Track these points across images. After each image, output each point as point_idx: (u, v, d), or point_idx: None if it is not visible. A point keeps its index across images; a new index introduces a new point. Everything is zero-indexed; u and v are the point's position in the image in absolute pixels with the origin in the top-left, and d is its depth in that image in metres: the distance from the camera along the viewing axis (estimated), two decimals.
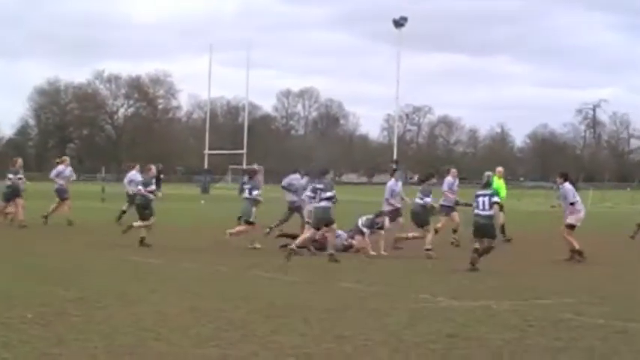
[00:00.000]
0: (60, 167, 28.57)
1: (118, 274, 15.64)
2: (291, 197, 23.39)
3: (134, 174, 29.04)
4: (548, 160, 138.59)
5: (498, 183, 22.68)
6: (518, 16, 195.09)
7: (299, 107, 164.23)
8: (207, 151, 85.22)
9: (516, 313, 11.67)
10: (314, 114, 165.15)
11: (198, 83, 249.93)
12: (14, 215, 26.38)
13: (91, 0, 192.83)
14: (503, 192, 22.21)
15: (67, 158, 29.62)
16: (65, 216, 27.46)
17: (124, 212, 28.34)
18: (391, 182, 22.36)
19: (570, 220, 20.07)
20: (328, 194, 18.95)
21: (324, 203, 18.95)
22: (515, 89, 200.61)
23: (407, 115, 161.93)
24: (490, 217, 17.62)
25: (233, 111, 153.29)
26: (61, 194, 27.95)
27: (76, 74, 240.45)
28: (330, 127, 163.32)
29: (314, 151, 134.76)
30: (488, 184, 18.11)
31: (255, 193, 21.66)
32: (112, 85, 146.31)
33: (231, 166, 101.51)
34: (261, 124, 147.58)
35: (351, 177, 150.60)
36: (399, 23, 70.16)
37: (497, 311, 11.91)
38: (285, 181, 23.97)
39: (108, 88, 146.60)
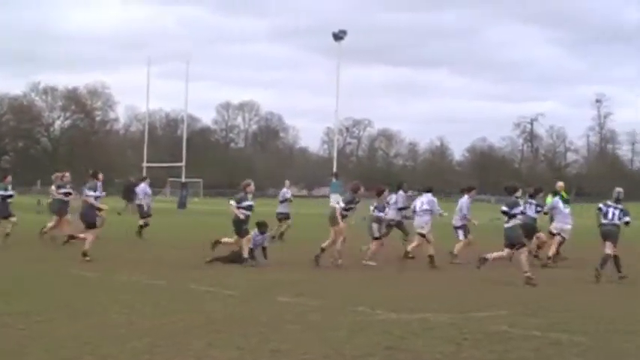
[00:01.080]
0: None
1: (59, 287, 15.55)
2: (392, 214, 23.80)
3: (144, 187, 29.18)
4: (487, 173, 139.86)
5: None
6: (457, 29, 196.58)
7: (239, 120, 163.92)
8: (145, 164, 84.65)
9: (452, 326, 11.75)
10: (254, 127, 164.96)
11: (136, 95, 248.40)
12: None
13: (29, 12, 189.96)
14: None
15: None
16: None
17: (141, 227, 28.68)
18: (464, 199, 23.13)
19: (551, 227, 22.61)
20: (513, 212, 18.82)
21: (510, 223, 18.72)
22: (454, 103, 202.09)
23: (347, 129, 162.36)
24: (617, 225, 19.36)
25: (172, 123, 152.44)
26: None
27: (11, 86, 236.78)
28: (270, 140, 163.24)
29: (254, 164, 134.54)
30: (618, 200, 19.73)
31: (376, 212, 21.93)
32: (48, 97, 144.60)
33: (170, 179, 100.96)
34: (201, 136, 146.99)
35: (292, 190, 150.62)
36: (338, 36, 70.37)
37: (434, 324, 11.98)
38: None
39: (44, 99, 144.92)
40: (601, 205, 19.77)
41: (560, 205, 22.51)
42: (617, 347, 10.44)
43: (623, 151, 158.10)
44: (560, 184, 25.06)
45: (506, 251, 18.76)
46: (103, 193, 22.01)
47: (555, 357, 9.77)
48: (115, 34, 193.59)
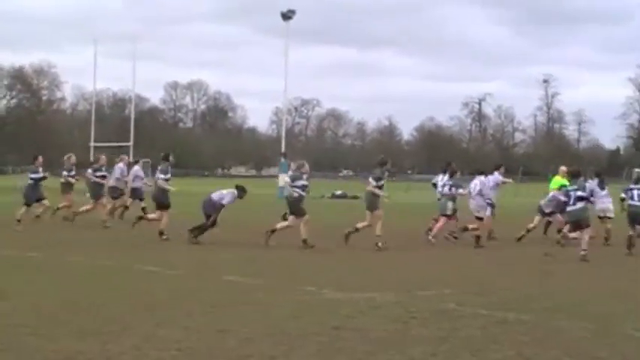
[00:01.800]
0: (120, 165, 27.86)
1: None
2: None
3: (137, 169, 28.30)
4: (436, 153, 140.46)
5: (560, 181, 23.80)
6: (405, 9, 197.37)
7: (187, 100, 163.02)
8: (92, 144, 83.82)
9: (400, 305, 11.74)
10: (202, 107, 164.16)
11: (84, 75, 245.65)
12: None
13: None
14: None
15: (125, 157, 28.82)
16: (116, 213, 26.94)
17: (126, 208, 27.91)
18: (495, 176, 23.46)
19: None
20: (582, 194, 19.60)
21: (579, 205, 19.40)
22: (403, 82, 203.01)
23: (295, 108, 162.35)
24: None
25: (120, 103, 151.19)
26: (114, 192, 27.29)
27: None
28: (218, 120, 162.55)
29: (202, 144, 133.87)
30: (639, 180, 20.68)
31: (454, 190, 22.31)
32: None
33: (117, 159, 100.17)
34: (149, 116, 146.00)
35: (240, 170, 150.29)
36: (286, 16, 69.94)
37: (381, 303, 11.96)
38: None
39: None
40: (623, 194, 21.05)
41: (597, 187, 22.85)
42: (560, 326, 10.49)
43: (570, 131, 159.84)
44: (564, 168, 25.17)
45: (578, 233, 19.40)
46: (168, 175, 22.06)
47: (502, 335, 9.79)
48: (61, 13, 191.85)
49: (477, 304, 11.92)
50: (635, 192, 20.42)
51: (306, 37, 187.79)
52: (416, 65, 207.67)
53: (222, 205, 20.86)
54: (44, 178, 24.70)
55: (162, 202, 21.69)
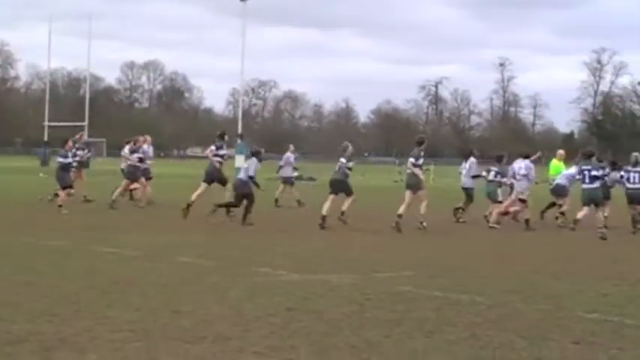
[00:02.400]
0: (144, 147, 27.34)
1: None
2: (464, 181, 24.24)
3: (146, 148, 27.70)
4: (392, 135, 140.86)
5: (558, 165, 24.41)
6: None
7: (143, 80, 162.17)
8: (46, 123, 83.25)
9: (355, 287, 11.76)
10: (159, 87, 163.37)
11: (38, 53, 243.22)
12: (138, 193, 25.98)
13: None
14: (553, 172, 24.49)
15: (148, 137, 28.33)
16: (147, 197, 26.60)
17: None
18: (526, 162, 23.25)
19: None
20: (597, 173, 20.22)
21: (595, 184, 19.99)
22: (359, 65, 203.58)
23: (252, 90, 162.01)
24: None
25: (74, 82, 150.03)
26: (146, 174, 26.86)
27: None
28: (175, 101, 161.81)
29: (158, 125, 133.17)
30: (637, 163, 21.64)
31: (499, 177, 22.86)
32: None
33: (72, 139, 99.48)
34: (104, 96, 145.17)
35: (196, 150, 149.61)
36: None
37: (337, 285, 11.97)
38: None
39: None
40: (622, 172, 21.72)
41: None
42: (515, 308, 10.58)
43: (525, 115, 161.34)
44: (561, 152, 25.40)
45: (586, 209, 19.98)
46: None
47: (456, 317, 9.84)
48: None
49: (432, 287, 11.97)
50: (632, 175, 21.37)
51: (263, 18, 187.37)
52: (373, 47, 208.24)
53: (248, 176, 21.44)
54: (71, 164, 24.36)
55: (220, 178, 22.89)
